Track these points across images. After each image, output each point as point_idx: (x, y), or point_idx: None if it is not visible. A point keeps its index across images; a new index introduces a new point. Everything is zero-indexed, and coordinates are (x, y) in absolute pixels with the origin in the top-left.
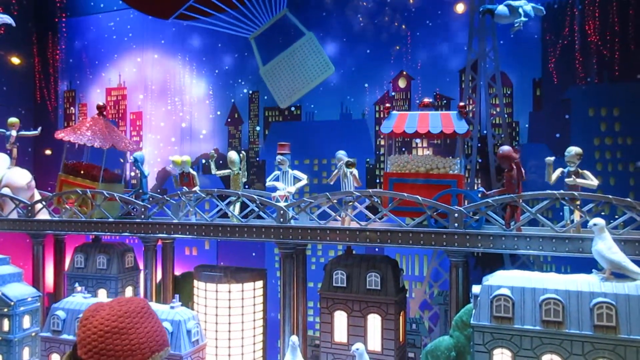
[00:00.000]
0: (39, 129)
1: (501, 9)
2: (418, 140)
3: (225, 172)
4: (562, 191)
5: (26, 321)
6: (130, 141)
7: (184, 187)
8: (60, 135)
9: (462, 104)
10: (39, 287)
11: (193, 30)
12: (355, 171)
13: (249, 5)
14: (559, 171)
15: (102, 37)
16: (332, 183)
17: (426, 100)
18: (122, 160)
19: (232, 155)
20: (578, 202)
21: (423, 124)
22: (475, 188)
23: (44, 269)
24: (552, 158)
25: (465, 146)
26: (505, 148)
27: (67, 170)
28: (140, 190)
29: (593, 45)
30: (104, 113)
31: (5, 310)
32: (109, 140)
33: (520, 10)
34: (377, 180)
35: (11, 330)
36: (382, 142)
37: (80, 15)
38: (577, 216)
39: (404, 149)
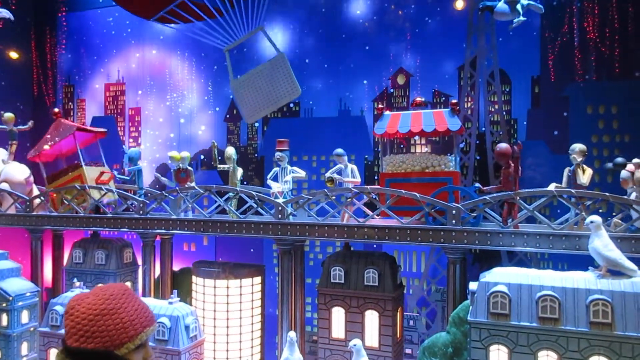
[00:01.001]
0: (30, 122)
1: (501, 6)
2: (417, 137)
3: (225, 166)
4: (558, 188)
5: (24, 316)
6: (93, 127)
7: (187, 183)
8: (33, 153)
9: (454, 101)
10: (37, 282)
11: (192, 27)
12: (354, 167)
13: (227, 17)
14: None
15: (101, 32)
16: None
17: (418, 99)
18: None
19: (229, 150)
20: (580, 201)
21: (416, 123)
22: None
23: (42, 264)
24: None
25: (464, 143)
26: (503, 145)
27: (52, 179)
28: (136, 185)
29: (592, 42)
30: (59, 117)
31: (4, 305)
32: (73, 126)
33: (519, 7)
34: (376, 177)
35: (9, 325)
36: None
37: (79, 10)
38: (574, 213)
39: (402, 146)
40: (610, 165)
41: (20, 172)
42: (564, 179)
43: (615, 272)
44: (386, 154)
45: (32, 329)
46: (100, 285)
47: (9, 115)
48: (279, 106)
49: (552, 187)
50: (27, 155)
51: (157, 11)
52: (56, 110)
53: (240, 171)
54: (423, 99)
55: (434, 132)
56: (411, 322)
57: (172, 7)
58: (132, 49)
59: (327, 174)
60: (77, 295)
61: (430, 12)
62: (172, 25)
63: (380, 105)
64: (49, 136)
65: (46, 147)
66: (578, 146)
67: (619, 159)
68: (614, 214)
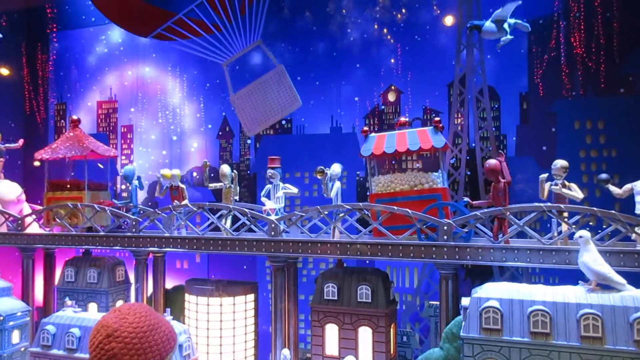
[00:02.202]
0: (20, 141)
1: (488, 25)
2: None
3: (218, 185)
4: (548, 204)
5: (15, 336)
6: (108, 147)
7: (175, 201)
8: (39, 156)
9: (437, 118)
10: (28, 302)
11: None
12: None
13: (225, 32)
14: (547, 185)
15: (93, 50)
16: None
17: (402, 119)
18: (101, 166)
19: (225, 168)
20: (565, 215)
21: (401, 143)
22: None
23: (33, 283)
24: (545, 175)
25: (454, 159)
26: (492, 161)
27: (52, 187)
28: (131, 204)
29: (579, 57)
30: (79, 126)
31: None
32: (87, 149)
33: (506, 26)
34: (368, 193)
35: (0, 345)
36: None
37: (71, 29)
38: (564, 228)
39: (393, 162)
40: (603, 176)
41: (11, 190)
42: (545, 192)
43: (605, 286)
44: (374, 174)
45: (22, 349)
46: (117, 307)
47: None
48: (281, 117)
49: (547, 186)
50: (22, 164)
51: (154, 28)
52: (74, 117)
53: (237, 189)
54: (407, 119)
55: (419, 151)
56: (405, 338)
57: (169, 24)
58: (125, 66)
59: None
60: (108, 319)
61: (420, 31)
62: (169, 41)
63: (364, 128)
64: (60, 144)
65: (47, 155)
66: (560, 162)
67: (603, 175)
68: (603, 226)
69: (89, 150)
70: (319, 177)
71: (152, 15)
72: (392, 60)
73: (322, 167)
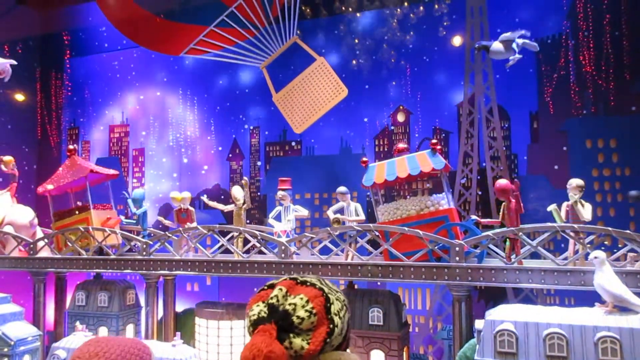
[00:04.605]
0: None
1: (496, 45)
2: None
3: (230, 207)
4: (562, 224)
5: None
6: (106, 168)
7: (188, 223)
8: (41, 189)
9: (434, 141)
10: (39, 326)
11: (196, 68)
12: (357, 205)
13: (259, 35)
14: (564, 206)
15: (106, 76)
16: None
17: (400, 145)
18: (126, 195)
19: (236, 191)
20: (581, 235)
21: (402, 169)
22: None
23: (44, 307)
24: (554, 205)
25: (465, 179)
26: (502, 182)
27: (59, 217)
28: (139, 225)
29: (588, 75)
30: (74, 155)
31: (5, 350)
32: (86, 169)
33: (515, 46)
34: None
35: None
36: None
37: (85, 55)
38: (580, 248)
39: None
40: (634, 193)
41: (24, 215)
42: (562, 214)
43: (623, 307)
44: (379, 204)
45: None
46: (75, 353)
47: (8, 158)
48: (327, 109)
49: (563, 212)
50: (36, 189)
51: (185, 45)
52: (71, 147)
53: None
54: (405, 145)
55: (420, 174)
56: None
57: (201, 37)
58: (136, 91)
59: (329, 212)
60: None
61: (429, 51)
62: (203, 55)
63: (364, 158)
64: (60, 173)
65: (50, 186)
66: (575, 181)
67: (634, 192)
68: (620, 245)
69: (89, 171)
70: (336, 227)
71: (180, 32)
72: (402, 81)
73: (337, 217)
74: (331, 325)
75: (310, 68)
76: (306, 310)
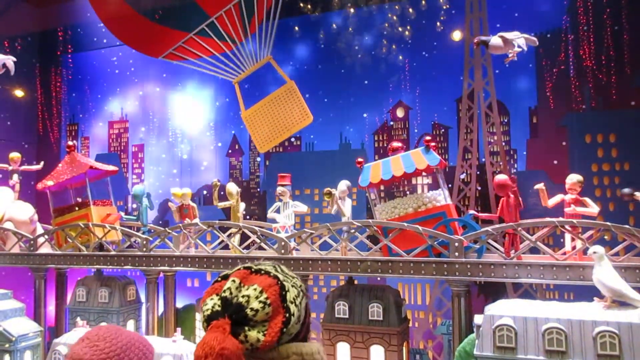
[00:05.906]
0: (42, 163)
1: (495, 40)
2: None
3: (226, 203)
4: (561, 219)
5: (27, 357)
6: (105, 164)
7: (186, 219)
8: (41, 186)
9: (428, 137)
10: (40, 322)
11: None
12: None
13: (235, 50)
14: (559, 197)
15: (105, 72)
16: (333, 213)
17: (394, 144)
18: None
19: (230, 186)
20: (579, 230)
21: (397, 167)
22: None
23: (45, 303)
24: (541, 184)
25: (464, 174)
26: (501, 177)
27: (59, 213)
28: (138, 221)
29: (589, 70)
30: (73, 151)
31: (7, 346)
32: (85, 165)
33: (514, 42)
34: None
35: None
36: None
37: (84, 51)
38: (578, 243)
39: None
40: (626, 190)
41: (24, 211)
42: (552, 200)
43: (622, 302)
44: (376, 204)
45: None
46: (85, 335)
47: (15, 154)
48: (291, 133)
49: (558, 198)
50: (35, 185)
51: (165, 49)
52: (70, 143)
53: (242, 205)
54: (399, 144)
55: (416, 172)
56: (417, 357)
57: (180, 44)
58: (135, 87)
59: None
60: (77, 350)
61: (428, 46)
62: (179, 61)
63: (359, 159)
64: (60, 170)
65: (50, 183)
66: (575, 177)
67: (626, 190)
68: (618, 240)
69: (88, 167)
70: (326, 199)
71: (162, 35)
72: (400, 77)
73: (329, 190)
74: (287, 314)
75: (279, 90)
76: (260, 301)
